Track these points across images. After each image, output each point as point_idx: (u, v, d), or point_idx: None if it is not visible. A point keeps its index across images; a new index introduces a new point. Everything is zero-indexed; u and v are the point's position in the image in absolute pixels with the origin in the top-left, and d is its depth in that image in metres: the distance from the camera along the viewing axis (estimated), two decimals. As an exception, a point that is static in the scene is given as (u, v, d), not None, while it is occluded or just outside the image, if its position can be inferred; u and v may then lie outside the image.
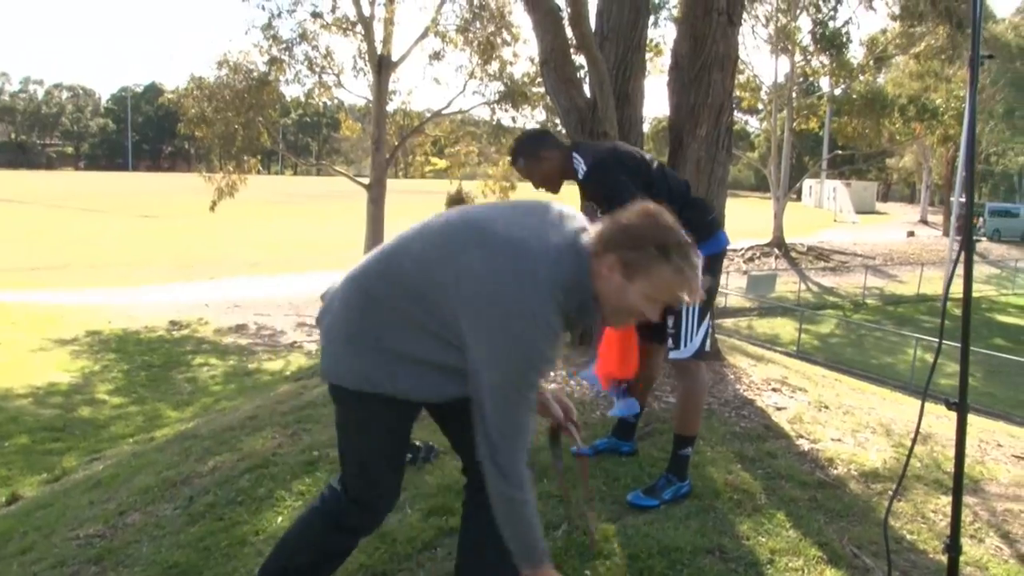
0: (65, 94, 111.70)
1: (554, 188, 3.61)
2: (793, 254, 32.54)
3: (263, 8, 18.76)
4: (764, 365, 6.51)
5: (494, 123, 21.53)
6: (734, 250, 29.22)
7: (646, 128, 14.70)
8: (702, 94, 5.48)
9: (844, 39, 30.03)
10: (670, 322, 3.38)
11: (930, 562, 3.06)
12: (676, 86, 5.67)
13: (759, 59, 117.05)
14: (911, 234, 42.14)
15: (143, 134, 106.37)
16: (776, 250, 32.41)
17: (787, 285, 26.15)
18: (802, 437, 4.40)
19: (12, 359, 13.24)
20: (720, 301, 19.80)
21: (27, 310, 17.03)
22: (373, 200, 19.72)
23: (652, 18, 20.99)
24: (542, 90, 20.06)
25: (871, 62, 31.72)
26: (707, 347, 3.48)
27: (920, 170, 52.67)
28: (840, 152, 35.70)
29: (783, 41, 31.32)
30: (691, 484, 3.48)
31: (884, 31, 31.46)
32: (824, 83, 34.67)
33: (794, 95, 33.08)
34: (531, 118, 21.55)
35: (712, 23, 5.43)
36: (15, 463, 8.21)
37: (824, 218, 50.29)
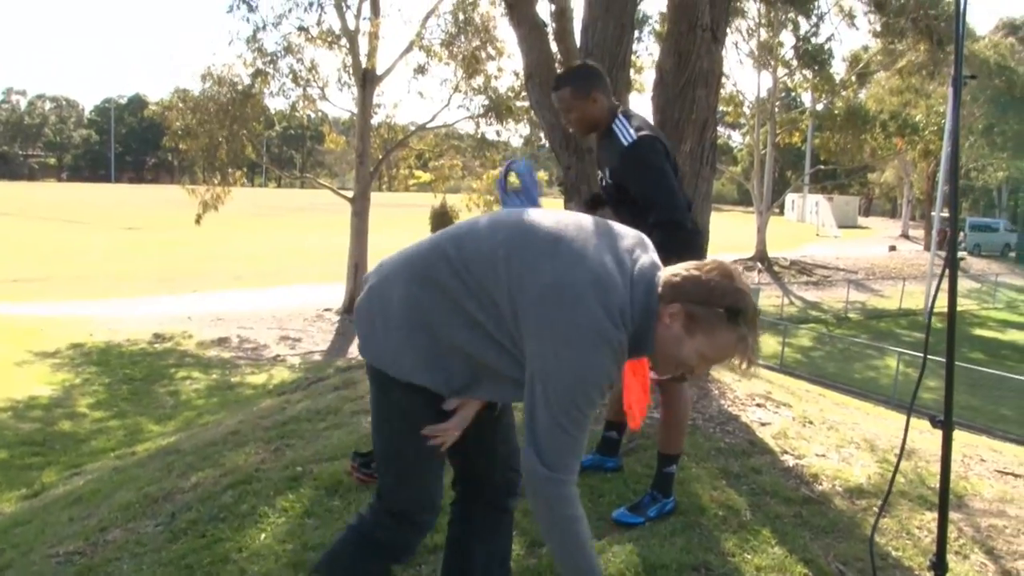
0: (48, 105, 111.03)
1: (583, 131, 3.50)
2: (776, 268, 32.71)
3: (248, 21, 18.74)
4: (748, 380, 6.52)
5: (478, 137, 21.55)
6: (717, 264, 29.31)
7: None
8: (686, 110, 5.50)
9: (826, 55, 30.32)
10: None
11: (916, 579, 3.06)
12: (660, 102, 5.69)
13: (742, 73, 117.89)
14: (893, 248, 42.47)
15: (126, 145, 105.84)
16: (759, 264, 32.56)
17: (770, 299, 26.27)
18: (787, 453, 4.41)
19: (-8, 372, 13.13)
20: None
21: (8, 323, 16.88)
22: (357, 213, 19.71)
23: (636, 33, 21.12)
24: (527, 104, 20.14)
25: (853, 77, 32.03)
26: None
27: (901, 185, 53.12)
28: (823, 167, 35.96)
29: (765, 56, 31.57)
30: (676, 501, 3.47)
31: (866, 47, 31.79)
32: (806, 98, 34.95)
33: (776, 110, 33.33)
34: (515, 132, 21.64)
35: (696, 39, 5.46)
36: (-7, 478, 8.12)
37: (807, 232, 50.59)
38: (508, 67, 19.99)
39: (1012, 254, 42.31)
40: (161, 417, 11.06)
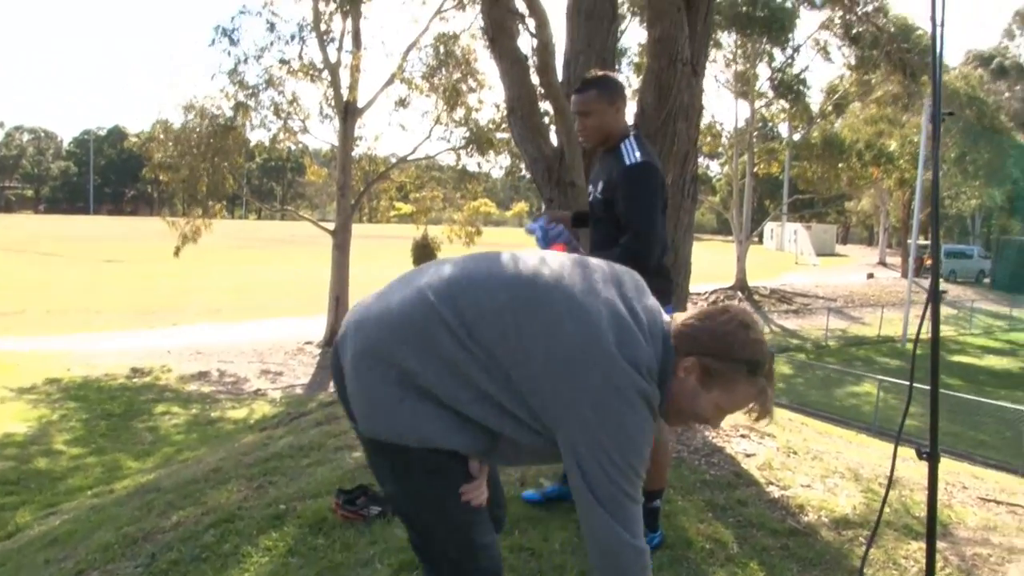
0: (26, 136, 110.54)
1: (595, 139, 3.38)
2: (756, 297, 32.86)
3: (229, 54, 18.78)
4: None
5: (459, 168, 21.62)
6: (697, 293, 29.47)
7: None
8: (667, 143, 5.55)
9: (802, 85, 30.75)
10: None
11: (903, 611, 3.06)
12: (641, 135, 5.74)
13: (720, 104, 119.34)
14: (871, 276, 42.83)
15: (105, 177, 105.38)
16: (739, 293, 32.71)
17: (751, 328, 26.34)
18: (772, 484, 4.41)
19: (-34, 409, 12.93)
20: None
21: (-17, 358, 16.68)
22: (338, 246, 19.68)
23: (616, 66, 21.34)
24: (507, 136, 20.27)
25: (830, 107, 32.48)
26: None
27: (878, 213, 53.70)
28: (800, 196, 36.33)
29: (743, 86, 31.98)
30: (663, 534, 3.46)
31: (842, 77, 32.26)
32: (784, 128, 35.40)
33: (754, 139, 33.69)
34: (496, 164, 21.72)
35: (677, 73, 5.51)
36: (-34, 519, 7.96)
37: (786, 261, 50.95)
38: (489, 99, 20.16)
39: (987, 280, 42.77)
40: (140, 453, 10.92)
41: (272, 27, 19.05)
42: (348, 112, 19.12)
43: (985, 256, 45.31)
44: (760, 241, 56.81)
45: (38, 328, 20.89)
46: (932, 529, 2.11)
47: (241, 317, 23.94)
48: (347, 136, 19.31)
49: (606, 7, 5.47)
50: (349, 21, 18.99)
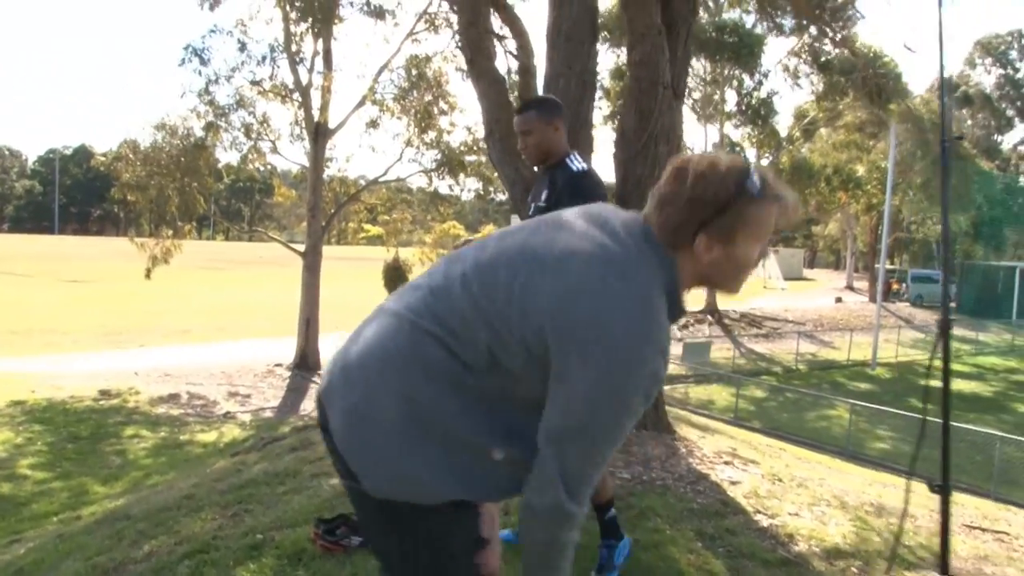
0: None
1: (537, 157, 3.54)
2: (726, 321, 33.00)
3: (200, 74, 18.62)
4: (712, 436, 6.50)
5: (431, 191, 21.56)
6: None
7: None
8: (648, 166, 5.54)
9: (769, 110, 31.07)
10: None
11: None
12: (622, 158, 5.72)
13: (688, 127, 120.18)
14: (839, 300, 43.24)
15: (71, 197, 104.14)
16: (710, 317, 32.86)
17: (721, 352, 26.42)
18: (760, 512, 4.35)
19: (-75, 433, 12.57)
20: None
21: (-57, 381, 16.26)
22: (308, 267, 19.49)
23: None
24: (477, 159, 20.30)
25: (798, 132, 32.84)
26: None
27: (844, 237, 54.32)
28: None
29: (711, 110, 32.27)
30: (629, 540, 3.39)
31: (812, 103, 32.62)
32: (751, 153, 35.76)
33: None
34: (465, 187, 21.68)
35: (658, 96, 5.51)
36: (-76, 547, 7.70)
37: (754, 285, 51.24)
38: (460, 122, 20.14)
39: (952, 304, 43.32)
40: (107, 477, 10.65)
41: (243, 47, 18.98)
42: (319, 133, 19.00)
43: (951, 280, 45.95)
44: (729, 265, 57.09)
45: (2, 349, 20.46)
46: (946, 564, 2.06)
47: (210, 338, 23.63)
48: (318, 157, 19.18)
49: (586, 29, 5.45)
50: (320, 42, 18.92)
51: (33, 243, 68.34)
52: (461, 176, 20.83)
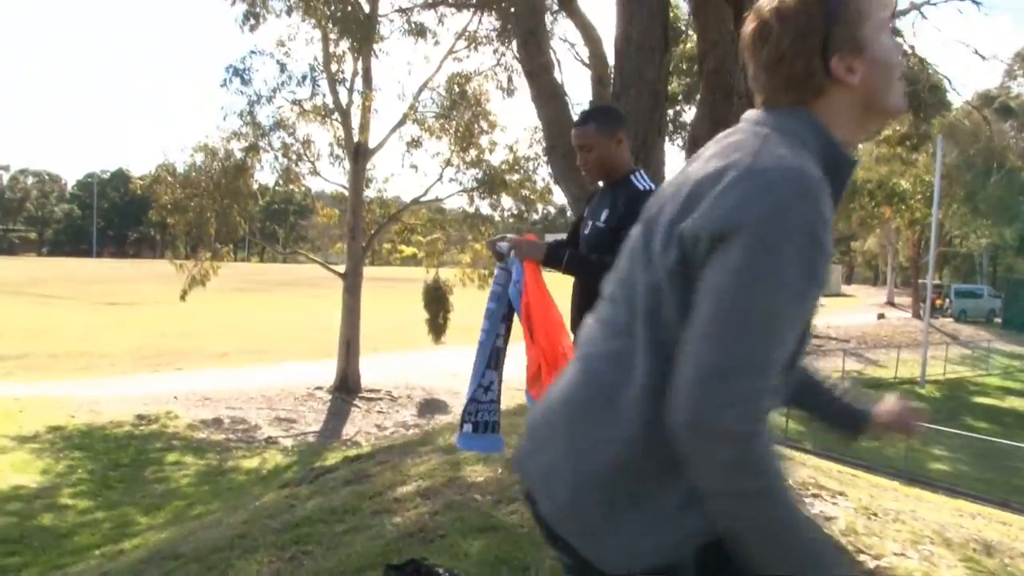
0: (31, 179, 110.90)
1: (598, 174, 3.23)
2: (769, 338, 32.47)
3: (242, 94, 18.65)
4: (799, 466, 6.13)
5: (473, 212, 21.32)
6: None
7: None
8: (724, 179, 5.23)
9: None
10: None
11: None
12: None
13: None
14: (881, 316, 42.39)
15: (108, 220, 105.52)
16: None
17: (766, 370, 25.97)
18: (863, 552, 3.99)
19: (-35, 460, 12.44)
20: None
21: (-17, 405, 16.20)
22: (348, 289, 19.30)
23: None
24: (518, 178, 20.09)
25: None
26: None
27: (884, 252, 53.41)
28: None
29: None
30: None
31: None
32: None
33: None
34: (508, 208, 21.45)
35: (733, 107, 5.21)
36: (-35, 583, 7.51)
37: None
38: (501, 140, 19.99)
39: (998, 320, 42.33)
40: (150, 507, 10.42)
41: (283, 67, 18.94)
42: (359, 153, 18.88)
43: (995, 295, 44.90)
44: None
45: (40, 373, 20.46)
46: None
47: (248, 362, 23.49)
48: (358, 177, 19.04)
49: (657, 37, 5.16)
50: (360, 61, 18.83)
51: (72, 266, 69.17)
52: (502, 195, 20.62)
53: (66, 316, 33.58)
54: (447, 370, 20.15)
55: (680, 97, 18.99)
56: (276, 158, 19.07)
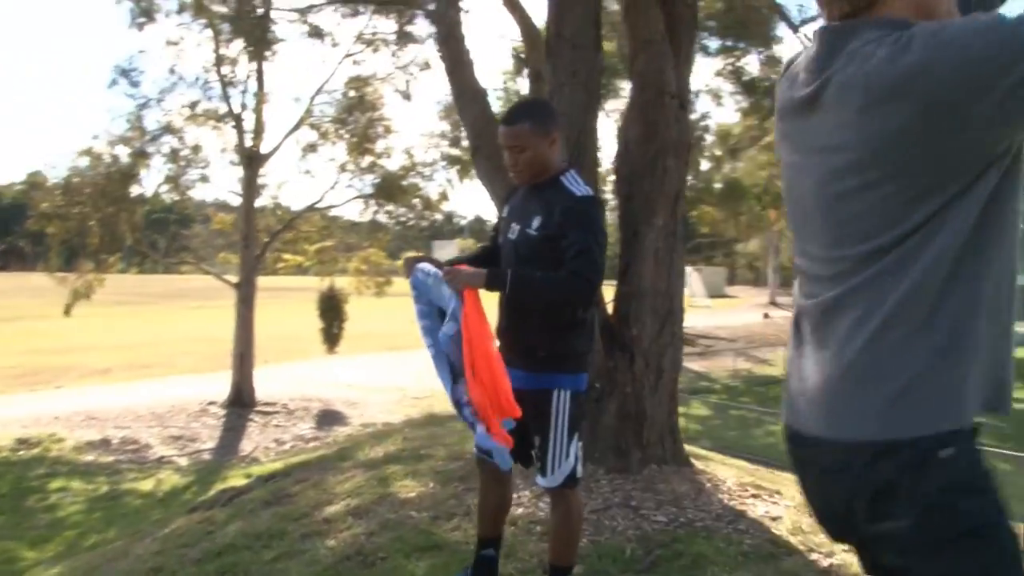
0: None
1: (529, 175, 2.96)
2: (660, 340, 33.06)
3: (132, 97, 17.84)
4: (721, 466, 6.13)
5: (368, 219, 20.97)
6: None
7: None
8: (656, 182, 5.17)
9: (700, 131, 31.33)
10: (536, 442, 2.93)
11: None
12: (625, 173, 5.35)
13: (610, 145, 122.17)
14: (767, 316, 43.83)
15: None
16: (645, 336, 32.86)
17: (661, 371, 26.39)
18: (815, 551, 3.98)
19: None
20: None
21: None
22: (242, 300, 18.62)
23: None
24: (415, 181, 19.86)
25: (719, 152, 33.23)
26: (579, 472, 2.99)
27: (767, 254, 55.30)
28: (702, 239, 37.00)
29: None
30: None
31: (737, 123, 33.11)
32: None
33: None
34: (394, 214, 21.14)
35: (665, 107, 5.17)
36: None
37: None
38: (398, 145, 19.74)
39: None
40: (36, 540, 9.65)
41: (172, 69, 18.21)
42: (252, 159, 18.26)
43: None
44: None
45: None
46: None
47: (133, 377, 22.42)
48: (251, 184, 18.41)
49: (590, 34, 5.07)
50: (254, 64, 18.23)
51: (-69, 282, 64.83)
52: (398, 203, 20.35)
53: (-73, 335, 31.40)
54: (342, 381, 19.71)
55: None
56: (164, 164, 18.29)
